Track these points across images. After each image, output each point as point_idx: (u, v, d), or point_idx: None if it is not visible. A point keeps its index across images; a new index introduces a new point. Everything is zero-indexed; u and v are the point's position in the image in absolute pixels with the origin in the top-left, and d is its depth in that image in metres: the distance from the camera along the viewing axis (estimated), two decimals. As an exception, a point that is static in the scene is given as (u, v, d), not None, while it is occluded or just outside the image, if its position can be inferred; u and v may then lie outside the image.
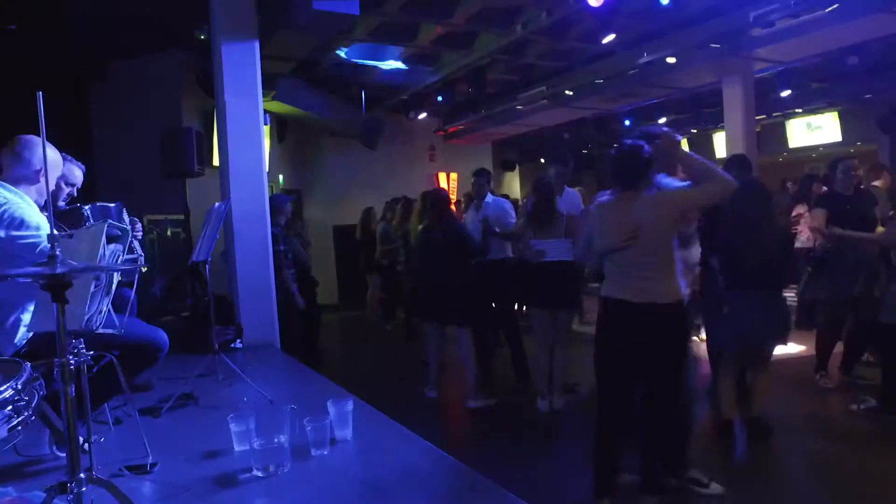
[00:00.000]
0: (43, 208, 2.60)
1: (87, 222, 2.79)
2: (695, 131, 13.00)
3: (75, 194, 3.06)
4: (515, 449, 4.04)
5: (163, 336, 2.74)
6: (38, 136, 1.77)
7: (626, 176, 2.82)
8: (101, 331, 2.24)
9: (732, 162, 4.34)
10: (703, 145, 13.00)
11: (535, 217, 4.63)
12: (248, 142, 4.99)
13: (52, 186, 2.74)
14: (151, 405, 3.28)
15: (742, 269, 3.57)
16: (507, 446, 4.07)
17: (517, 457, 3.84)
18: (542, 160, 15.17)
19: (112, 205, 2.97)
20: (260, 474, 2.34)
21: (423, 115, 10.78)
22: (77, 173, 3.06)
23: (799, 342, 5.49)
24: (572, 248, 4.34)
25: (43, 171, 2.57)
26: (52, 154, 2.69)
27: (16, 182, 2.59)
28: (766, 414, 3.89)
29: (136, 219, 3.14)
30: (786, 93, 9.34)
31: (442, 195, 5.19)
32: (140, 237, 3.03)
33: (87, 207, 2.90)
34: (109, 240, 2.22)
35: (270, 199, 5.26)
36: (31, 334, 2.47)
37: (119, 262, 2.30)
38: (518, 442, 4.19)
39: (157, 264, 6.61)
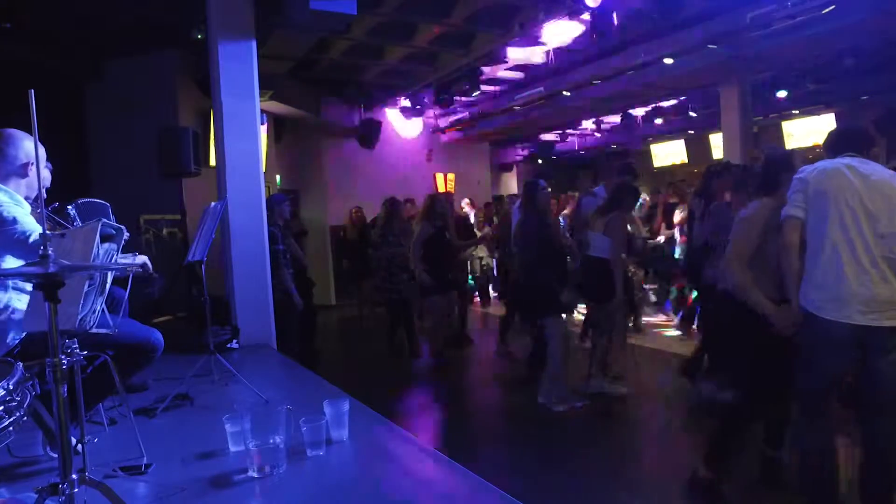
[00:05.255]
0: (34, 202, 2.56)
1: (74, 222, 2.76)
2: (691, 132, 13.00)
3: (45, 196, 3.01)
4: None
5: (157, 336, 2.72)
6: (31, 133, 1.75)
7: None
8: (94, 330, 2.22)
9: None
10: (699, 146, 13.01)
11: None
12: (245, 141, 4.98)
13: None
14: (147, 405, 3.27)
15: None
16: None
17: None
18: (540, 161, 15.21)
19: (99, 200, 2.94)
20: (255, 475, 2.33)
21: (420, 116, 10.76)
22: (45, 174, 3.00)
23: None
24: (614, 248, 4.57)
25: (30, 163, 2.55)
26: (32, 146, 2.66)
27: (4, 179, 2.56)
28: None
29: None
30: (782, 94, 9.33)
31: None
32: None
33: (70, 207, 2.86)
34: (103, 239, 2.20)
35: (267, 199, 5.24)
36: (24, 334, 2.45)
37: (113, 261, 2.28)
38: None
39: (153, 264, 6.58)
